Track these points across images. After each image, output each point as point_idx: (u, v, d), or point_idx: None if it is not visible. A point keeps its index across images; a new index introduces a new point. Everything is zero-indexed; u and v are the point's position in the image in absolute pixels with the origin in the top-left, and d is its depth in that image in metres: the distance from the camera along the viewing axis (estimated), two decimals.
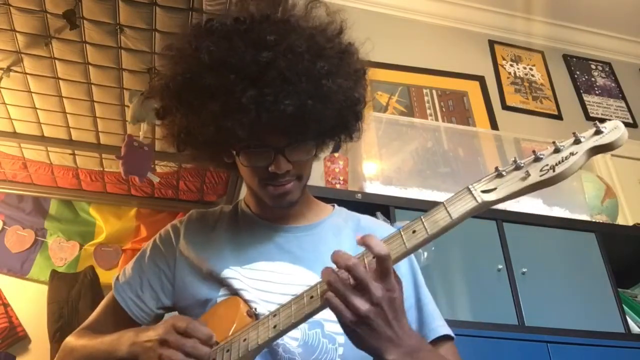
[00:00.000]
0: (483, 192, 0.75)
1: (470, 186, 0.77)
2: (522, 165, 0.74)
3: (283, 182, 0.96)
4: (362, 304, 0.73)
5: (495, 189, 0.75)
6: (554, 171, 0.71)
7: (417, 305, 1.01)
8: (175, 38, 1.04)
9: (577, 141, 0.72)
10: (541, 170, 0.72)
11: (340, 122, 1.00)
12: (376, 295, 0.73)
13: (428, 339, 0.97)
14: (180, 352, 0.83)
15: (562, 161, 0.71)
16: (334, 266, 0.80)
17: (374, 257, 0.73)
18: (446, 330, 0.99)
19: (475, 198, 0.75)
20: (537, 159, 0.74)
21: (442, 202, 0.77)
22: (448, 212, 0.75)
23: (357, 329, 0.73)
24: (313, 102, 0.90)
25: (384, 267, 0.73)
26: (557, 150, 0.73)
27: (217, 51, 0.91)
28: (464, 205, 0.75)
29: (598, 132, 0.72)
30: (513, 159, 0.75)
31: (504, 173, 0.76)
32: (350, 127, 1.03)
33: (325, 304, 0.76)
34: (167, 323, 0.87)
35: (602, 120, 0.74)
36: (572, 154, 0.71)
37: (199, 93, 0.92)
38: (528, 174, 0.73)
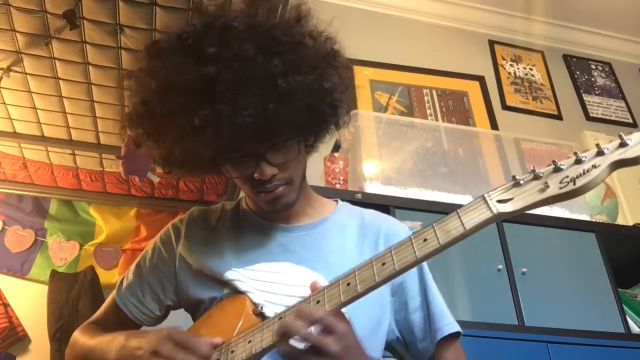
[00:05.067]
0: (499, 202, 0.71)
1: (486, 195, 0.73)
2: (541, 175, 0.70)
3: (271, 187, 0.94)
4: None
5: (512, 199, 0.71)
6: (574, 184, 0.67)
7: (425, 304, 1.01)
8: (135, 59, 1.00)
9: (600, 153, 0.67)
10: (561, 182, 0.68)
11: (316, 116, 0.94)
12: (332, 349, 0.74)
13: (436, 339, 0.98)
14: None
15: (584, 174, 0.67)
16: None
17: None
18: (452, 328, 0.99)
19: (490, 208, 0.71)
20: (557, 170, 0.69)
21: (456, 210, 0.73)
22: (461, 221, 0.72)
23: None
24: (274, 105, 0.85)
25: (326, 324, 0.75)
26: (578, 162, 0.68)
27: (164, 74, 0.88)
28: (479, 215, 0.71)
29: (623, 144, 0.67)
30: (532, 168, 0.71)
31: (521, 182, 0.71)
32: (330, 119, 0.97)
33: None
34: (162, 332, 0.86)
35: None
36: (594, 166, 0.67)
37: (157, 119, 0.91)
38: (547, 186, 0.69)
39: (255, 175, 0.92)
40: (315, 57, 0.93)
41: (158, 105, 0.89)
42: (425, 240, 0.73)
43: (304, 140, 0.99)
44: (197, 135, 0.87)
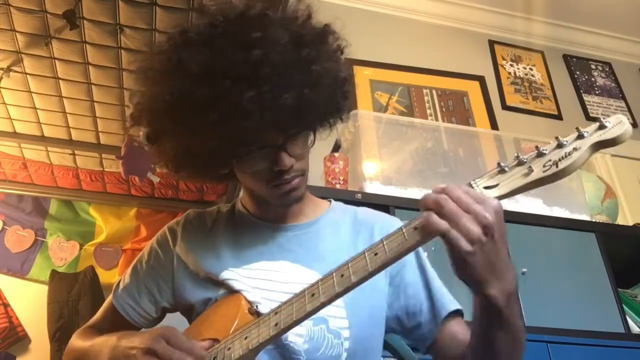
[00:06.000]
0: (485, 188, 0.74)
1: (472, 182, 0.75)
2: (525, 160, 0.73)
3: (289, 179, 0.95)
4: (474, 227, 0.69)
5: (497, 185, 0.74)
6: (557, 167, 0.70)
7: (426, 285, 1.02)
8: (146, 58, 0.98)
9: (580, 136, 0.71)
10: (544, 166, 0.71)
11: (331, 105, 0.99)
12: (488, 217, 0.69)
13: (441, 317, 0.99)
14: None
15: (566, 157, 0.70)
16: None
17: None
18: (456, 305, 1.01)
19: None
20: (540, 154, 0.72)
21: None
22: None
23: (468, 257, 0.70)
24: (308, 90, 0.90)
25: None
26: (560, 146, 0.72)
27: (203, 59, 0.88)
28: None
29: (602, 126, 0.70)
30: (515, 155, 0.74)
31: (506, 169, 0.74)
32: (341, 108, 1.02)
33: (426, 236, 0.72)
34: (154, 332, 0.86)
35: None
36: (575, 149, 0.70)
37: (193, 107, 0.89)
38: (531, 170, 0.72)
39: (275, 167, 0.93)
40: (330, 49, 0.98)
41: (199, 91, 0.87)
42: (415, 228, 0.73)
43: (317, 131, 1.01)
44: (238, 120, 0.87)
